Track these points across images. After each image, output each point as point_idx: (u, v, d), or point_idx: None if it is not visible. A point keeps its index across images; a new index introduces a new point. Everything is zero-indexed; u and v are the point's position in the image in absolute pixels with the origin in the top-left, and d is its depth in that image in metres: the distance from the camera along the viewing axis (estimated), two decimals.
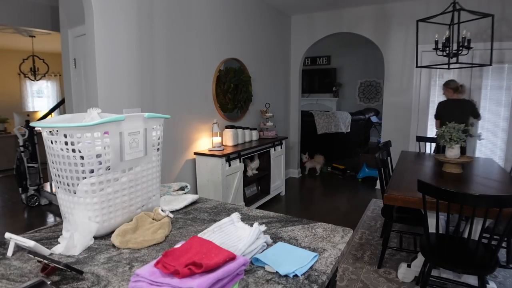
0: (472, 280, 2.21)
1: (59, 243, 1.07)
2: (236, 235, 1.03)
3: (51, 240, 1.11)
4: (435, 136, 2.80)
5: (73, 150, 1.03)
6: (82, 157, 1.04)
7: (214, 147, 3.48)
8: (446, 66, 3.08)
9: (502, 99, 4.11)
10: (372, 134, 6.71)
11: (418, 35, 3.46)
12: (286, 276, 0.88)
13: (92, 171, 1.06)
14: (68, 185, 1.08)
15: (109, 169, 1.11)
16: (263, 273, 0.90)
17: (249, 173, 3.93)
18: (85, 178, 1.06)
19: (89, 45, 2.47)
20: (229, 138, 3.68)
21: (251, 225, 1.06)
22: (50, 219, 3.88)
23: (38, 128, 1.11)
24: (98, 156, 1.06)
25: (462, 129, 2.64)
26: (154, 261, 0.82)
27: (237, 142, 3.77)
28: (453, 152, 2.66)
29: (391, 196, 2.19)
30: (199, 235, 0.98)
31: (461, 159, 2.65)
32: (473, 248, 1.87)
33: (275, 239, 1.12)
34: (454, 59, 3.07)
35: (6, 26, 4.36)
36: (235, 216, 1.15)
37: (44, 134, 1.07)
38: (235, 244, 0.97)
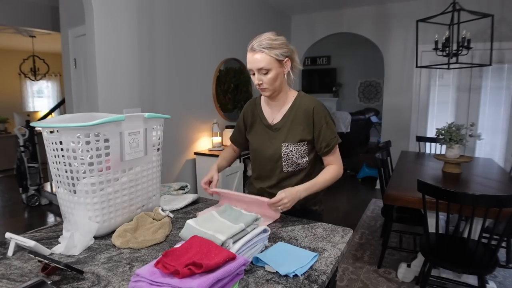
0: (472, 280, 2.21)
1: (60, 243, 1.07)
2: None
3: (52, 240, 1.11)
4: (435, 136, 2.81)
5: (73, 150, 1.03)
6: (82, 157, 1.04)
7: (214, 147, 3.48)
8: (446, 66, 3.08)
9: (502, 99, 4.10)
10: (372, 134, 6.70)
11: (418, 35, 3.46)
12: (286, 276, 0.88)
13: (92, 171, 1.06)
14: (69, 185, 1.08)
15: (109, 169, 1.11)
16: (263, 273, 0.90)
17: (249, 173, 3.93)
18: (85, 178, 1.06)
19: (89, 45, 2.47)
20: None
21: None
22: (51, 219, 3.88)
23: (39, 128, 1.11)
24: (98, 156, 1.07)
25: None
26: (154, 261, 0.82)
27: None
28: (453, 152, 2.66)
29: (391, 196, 2.19)
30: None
31: (461, 159, 2.65)
32: (473, 248, 1.87)
33: (275, 239, 1.12)
34: (454, 59, 3.07)
35: (6, 26, 4.36)
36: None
37: (45, 134, 1.07)
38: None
